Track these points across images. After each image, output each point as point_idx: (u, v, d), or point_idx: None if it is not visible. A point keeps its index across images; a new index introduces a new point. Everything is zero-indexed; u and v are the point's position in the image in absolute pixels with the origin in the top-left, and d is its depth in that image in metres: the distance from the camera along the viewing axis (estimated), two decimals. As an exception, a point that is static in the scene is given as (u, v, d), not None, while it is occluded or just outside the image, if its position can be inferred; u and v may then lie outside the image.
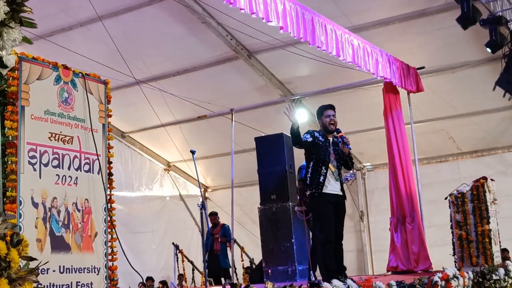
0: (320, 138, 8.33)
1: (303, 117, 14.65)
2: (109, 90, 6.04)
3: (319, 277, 9.68)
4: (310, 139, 8.28)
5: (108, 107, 5.97)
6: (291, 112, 8.04)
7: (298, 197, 9.88)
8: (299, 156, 12.37)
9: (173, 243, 15.93)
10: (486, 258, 10.30)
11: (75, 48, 11.76)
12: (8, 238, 3.48)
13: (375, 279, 7.93)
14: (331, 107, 8.57)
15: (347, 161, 8.51)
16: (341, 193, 8.34)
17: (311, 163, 8.28)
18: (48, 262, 4.70)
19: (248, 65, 13.82)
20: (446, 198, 10.83)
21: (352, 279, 7.63)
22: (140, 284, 14.13)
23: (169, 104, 14.96)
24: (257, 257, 13.31)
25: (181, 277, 15.94)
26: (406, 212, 11.26)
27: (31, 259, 3.56)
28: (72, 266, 5.28)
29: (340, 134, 8.41)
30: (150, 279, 15.35)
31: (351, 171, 10.34)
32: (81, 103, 5.65)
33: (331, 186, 8.20)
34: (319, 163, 8.20)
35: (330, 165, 8.22)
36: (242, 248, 15.57)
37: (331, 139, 8.45)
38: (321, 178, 8.12)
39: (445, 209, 11.01)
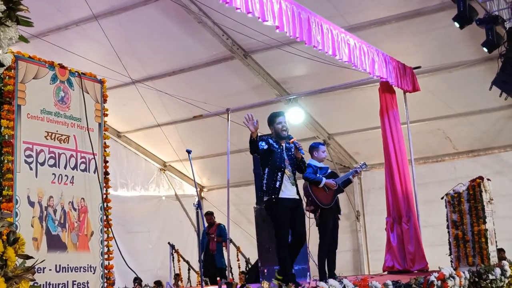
0: (275, 145, 8.38)
1: (299, 117, 14.65)
2: (105, 89, 6.04)
3: (316, 277, 9.74)
4: (266, 146, 8.31)
5: (104, 106, 5.97)
6: (250, 122, 8.09)
7: (304, 196, 9.83)
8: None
9: (168, 243, 15.91)
10: (482, 257, 10.31)
11: (71, 48, 11.77)
12: (5, 236, 3.47)
13: (371, 279, 7.95)
14: (282, 114, 8.72)
15: (301, 165, 8.56)
16: (297, 197, 8.38)
17: (267, 169, 8.32)
18: (44, 261, 4.69)
19: (244, 64, 13.82)
20: (442, 198, 10.85)
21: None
22: (136, 284, 14.11)
23: (165, 104, 14.97)
24: (253, 256, 13.30)
25: (177, 277, 15.91)
26: (402, 212, 11.28)
27: (28, 257, 3.56)
28: (68, 265, 5.27)
29: (292, 140, 8.49)
30: (137, 279, 15.10)
31: (361, 162, 10.33)
32: (77, 102, 5.65)
33: (288, 191, 8.24)
34: (275, 169, 8.24)
35: (286, 170, 8.28)
36: (238, 248, 15.55)
37: (284, 145, 8.48)
38: (277, 183, 8.17)
39: (441, 209, 11.02)
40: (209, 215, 15.29)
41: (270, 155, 8.30)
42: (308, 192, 9.52)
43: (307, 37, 9.10)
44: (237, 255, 15.59)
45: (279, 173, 8.19)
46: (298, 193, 8.40)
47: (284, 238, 8.24)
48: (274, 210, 8.23)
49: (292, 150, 8.46)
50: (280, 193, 8.15)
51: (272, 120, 8.60)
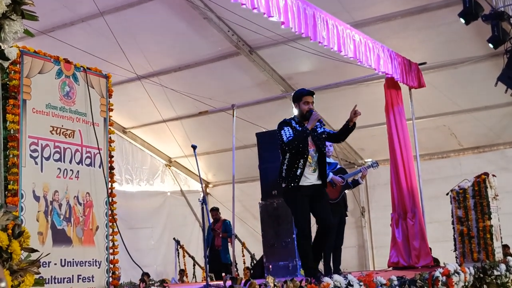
0: (297, 128, 7.91)
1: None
2: (111, 84, 6.04)
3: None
4: (292, 134, 7.79)
5: (109, 101, 5.98)
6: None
7: None
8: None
9: (174, 239, 15.96)
10: (487, 254, 10.31)
11: (77, 43, 11.76)
12: (10, 230, 3.48)
13: (376, 275, 7.93)
14: (312, 93, 8.16)
15: (345, 131, 8.31)
16: (319, 182, 7.91)
17: (288, 155, 7.85)
18: (49, 254, 4.72)
19: (250, 60, 13.81)
20: (447, 194, 10.84)
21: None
22: (141, 283, 14.10)
23: (170, 100, 14.97)
24: (258, 252, 13.31)
25: (182, 272, 15.95)
26: (407, 208, 11.26)
27: (33, 250, 3.57)
28: (73, 259, 5.29)
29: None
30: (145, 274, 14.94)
31: (371, 161, 10.32)
32: (82, 97, 5.65)
33: (308, 179, 7.81)
34: (297, 155, 7.78)
35: (308, 156, 7.83)
36: (243, 244, 15.57)
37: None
38: (298, 171, 7.72)
39: (446, 205, 11.02)
40: (215, 211, 15.33)
41: None
42: None
43: (313, 33, 9.09)
44: (242, 251, 15.61)
45: (302, 160, 7.76)
46: (321, 178, 7.92)
47: (303, 228, 7.79)
48: (293, 196, 7.84)
49: (318, 129, 8.09)
50: (300, 181, 7.73)
51: (298, 97, 8.11)
